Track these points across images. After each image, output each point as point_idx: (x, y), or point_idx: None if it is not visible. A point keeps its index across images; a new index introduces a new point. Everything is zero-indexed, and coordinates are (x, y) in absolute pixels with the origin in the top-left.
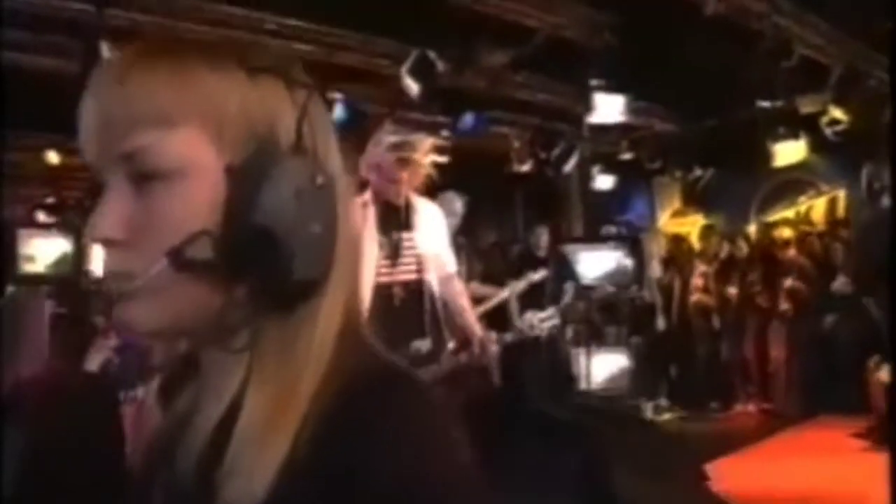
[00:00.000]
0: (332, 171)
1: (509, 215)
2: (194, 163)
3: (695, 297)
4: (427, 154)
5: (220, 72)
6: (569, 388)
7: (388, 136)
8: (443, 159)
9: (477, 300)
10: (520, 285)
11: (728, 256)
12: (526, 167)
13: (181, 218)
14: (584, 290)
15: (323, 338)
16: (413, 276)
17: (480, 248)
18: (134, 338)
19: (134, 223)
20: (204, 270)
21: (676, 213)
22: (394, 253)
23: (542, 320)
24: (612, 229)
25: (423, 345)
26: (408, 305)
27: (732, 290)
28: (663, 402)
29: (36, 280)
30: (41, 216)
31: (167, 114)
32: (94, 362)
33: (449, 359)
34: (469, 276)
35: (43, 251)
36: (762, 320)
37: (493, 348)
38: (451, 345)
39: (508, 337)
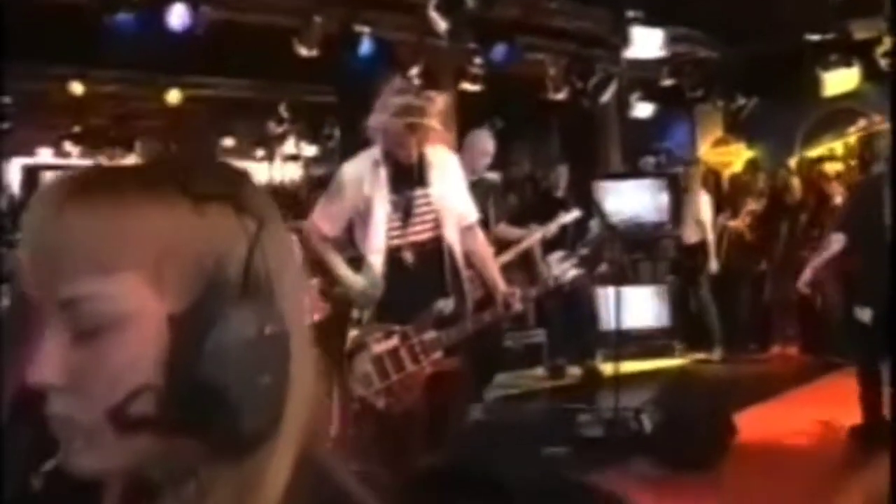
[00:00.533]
0: (286, 314)
1: (544, 144)
2: (134, 312)
3: (741, 235)
4: (438, 116)
5: (163, 203)
6: (592, 330)
7: (395, 98)
8: (475, 87)
9: (505, 245)
10: (551, 228)
11: (777, 194)
12: (561, 95)
13: (122, 370)
14: (611, 229)
15: (272, 490)
16: (430, 235)
17: (513, 179)
18: None
19: (74, 370)
20: (147, 426)
21: (718, 143)
22: (407, 213)
23: (564, 270)
24: (651, 159)
25: (447, 305)
26: (426, 265)
27: (782, 230)
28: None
29: None
30: (67, 146)
31: (105, 257)
32: None
33: (473, 318)
34: (501, 215)
35: None
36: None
37: (518, 305)
38: (471, 303)
39: (533, 292)
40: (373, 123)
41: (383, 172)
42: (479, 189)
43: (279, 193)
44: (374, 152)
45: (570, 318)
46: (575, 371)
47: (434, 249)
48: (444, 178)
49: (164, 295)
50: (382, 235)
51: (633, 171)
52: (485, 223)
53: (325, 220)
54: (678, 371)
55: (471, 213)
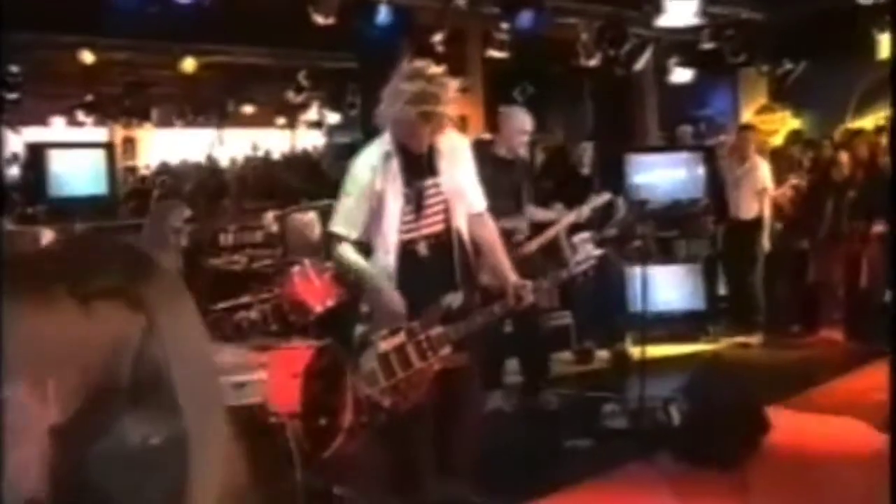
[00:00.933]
0: (187, 411)
1: (577, 112)
2: (17, 424)
3: (781, 209)
4: (452, 102)
5: (46, 304)
6: (622, 312)
7: (406, 85)
8: (502, 55)
9: (537, 228)
10: (584, 211)
11: (823, 168)
12: (594, 62)
13: (8, 485)
14: (640, 206)
15: None
16: (440, 227)
17: (546, 148)
18: None
19: None
20: None
21: (762, 110)
22: (419, 205)
23: (586, 255)
24: (688, 128)
25: (455, 299)
26: (437, 258)
27: (827, 207)
28: (731, 326)
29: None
30: (80, 115)
31: None
32: None
33: (482, 312)
34: (533, 197)
35: (73, 170)
36: (858, 242)
37: (530, 298)
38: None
39: (546, 284)
40: (384, 113)
41: (395, 164)
42: (515, 169)
43: (300, 164)
44: (385, 142)
45: (599, 299)
46: (604, 355)
47: (445, 241)
48: (452, 166)
49: (46, 407)
50: (396, 230)
51: (666, 145)
52: (518, 205)
53: (346, 225)
54: (712, 357)
55: (479, 201)
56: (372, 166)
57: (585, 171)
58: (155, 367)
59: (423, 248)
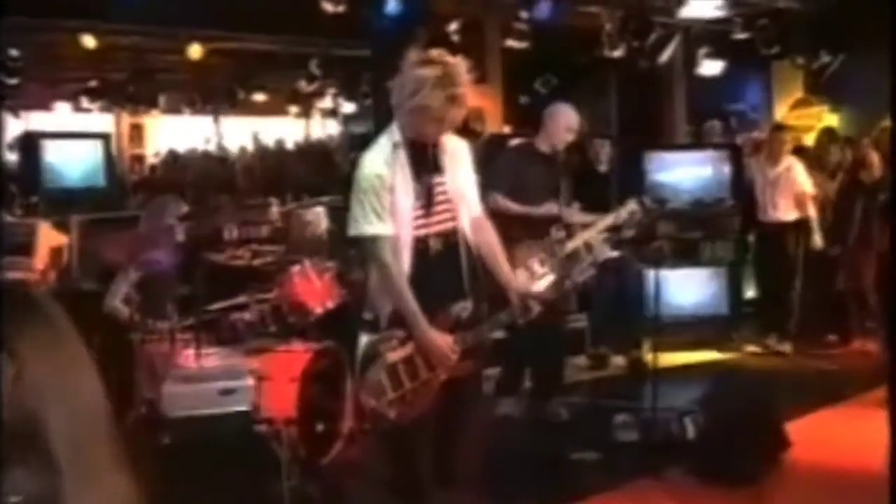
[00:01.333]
0: (59, 454)
1: (603, 105)
2: None
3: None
4: (469, 84)
5: None
6: (640, 316)
7: (424, 70)
8: (521, 45)
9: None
10: (622, 214)
11: (854, 169)
12: (618, 52)
13: None
14: (659, 205)
15: None
16: (449, 226)
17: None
18: (156, 273)
19: None
20: None
21: (797, 104)
22: (428, 201)
23: (583, 269)
24: (716, 123)
25: (465, 308)
26: (445, 260)
27: (856, 211)
28: (756, 333)
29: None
30: (85, 101)
31: None
32: (115, 297)
33: (490, 321)
34: (571, 197)
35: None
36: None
37: (536, 307)
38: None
39: (549, 292)
40: (406, 103)
41: (403, 157)
42: (555, 166)
43: (313, 154)
44: (394, 135)
45: (616, 302)
46: (619, 361)
47: (454, 242)
48: (455, 166)
49: None
50: (409, 226)
51: (689, 142)
52: (556, 202)
53: (382, 223)
54: (733, 366)
55: (477, 205)
56: (385, 159)
57: (602, 168)
58: (28, 418)
59: (433, 248)
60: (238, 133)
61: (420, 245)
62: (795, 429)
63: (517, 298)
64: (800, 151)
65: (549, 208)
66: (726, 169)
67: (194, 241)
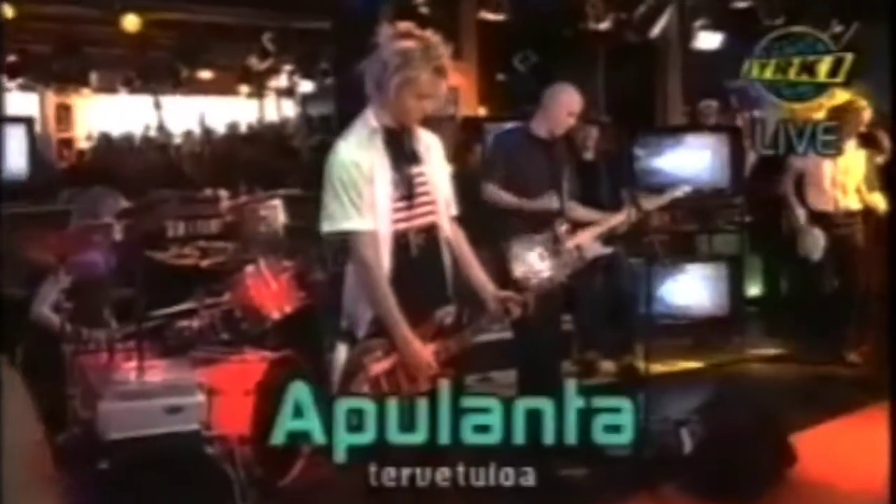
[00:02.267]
0: None
1: (590, 84)
2: None
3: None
4: (448, 57)
5: None
6: (632, 318)
7: (406, 43)
8: (498, 17)
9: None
10: (645, 205)
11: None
12: (605, 25)
13: None
14: (649, 197)
15: None
16: (430, 219)
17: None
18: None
19: None
20: None
21: None
22: (409, 192)
23: (566, 264)
24: (712, 104)
25: (448, 313)
26: (427, 258)
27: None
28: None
29: None
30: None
31: None
32: (43, 304)
33: (472, 328)
34: (574, 191)
35: None
36: None
37: (517, 311)
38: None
39: (530, 295)
40: (397, 80)
41: (380, 144)
42: (554, 153)
43: (269, 139)
44: (370, 121)
45: (606, 302)
46: (609, 367)
47: (435, 238)
48: (430, 158)
49: None
50: (388, 220)
51: (684, 125)
52: (556, 196)
53: (362, 217)
54: (735, 372)
55: (453, 204)
56: (362, 147)
57: (589, 156)
58: None
59: (414, 244)
60: (182, 116)
61: (400, 241)
62: (803, 441)
63: (494, 302)
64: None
65: (549, 201)
66: (725, 153)
67: (134, 240)
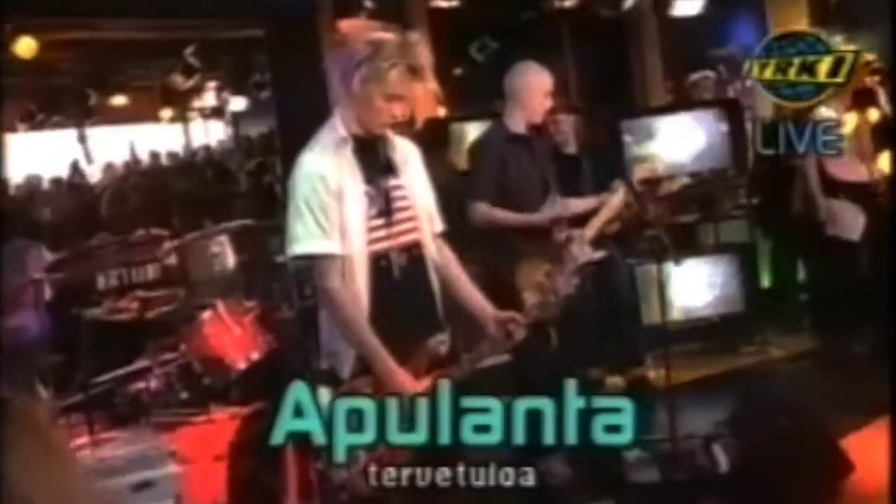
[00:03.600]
0: None
1: (558, 70)
2: None
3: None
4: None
5: None
6: (636, 324)
7: (378, 35)
8: (451, 3)
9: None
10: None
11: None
12: (570, 1)
13: None
14: (646, 186)
15: None
16: (412, 237)
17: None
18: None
19: None
20: None
21: None
22: (386, 207)
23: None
24: (708, 74)
25: (442, 342)
26: (413, 281)
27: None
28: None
29: None
30: None
31: None
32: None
33: (469, 357)
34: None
35: None
36: None
37: (520, 333)
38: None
39: (535, 311)
40: (363, 75)
41: (350, 155)
42: (536, 149)
43: (200, 167)
44: (337, 129)
45: (606, 311)
46: (618, 383)
47: (419, 258)
48: (409, 169)
49: None
50: (363, 239)
51: (675, 103)
52: (545, 197)
53: (324, 239)
54: (762, 374)
55: (438, 219)
56: (328, 159)
57: (571, 149)
58: None
59: (396, 265)
60: (99, 149)
61: (380, 263)
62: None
63: (495, 326)
64: None
65: (552, 211)
66: (723, 130)
67: (66, 296)
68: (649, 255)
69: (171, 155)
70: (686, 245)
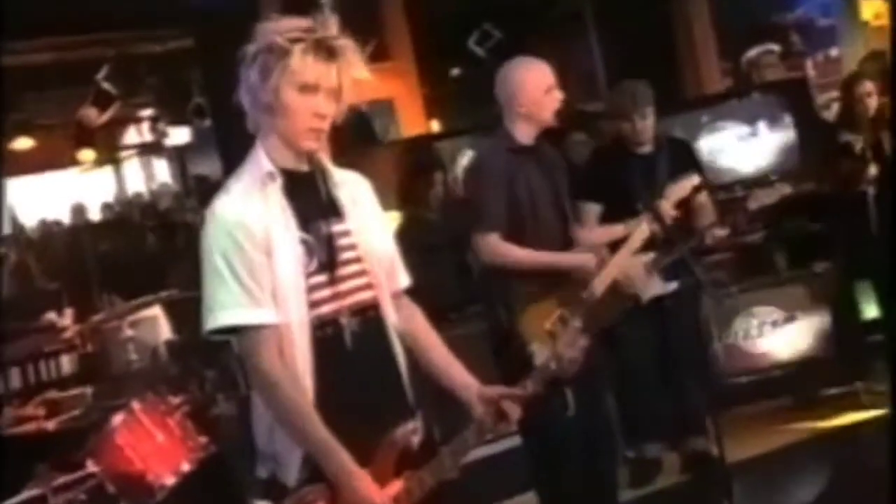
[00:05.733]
0: None
1: (579, 59)
2: None
3: None
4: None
5: None
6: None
7: (289, 23)
8: None
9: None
10: (665, 208)
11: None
12: None
13: None
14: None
15: None
16: (367, 296)
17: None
18: None
19: None
20: None
21: None
22: (329, 258)
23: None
24: (772, 48)
25: (413, 431)
26: (370, 352)
27: None
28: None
29: None
30: None
31: None
32: None
33: (451, 449)
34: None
35: None
36: None
37: (516, 413)
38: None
39: (530, 385)
40: (262, 62)
41: (279, 195)
42: (544, 162)
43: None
44: (260, 164)
45: (647, 361)
46: (674, 462)
47: (376, 322)
48: (360, 210)
49: None
50: (302, 300)
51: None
52: (562, 222)
53: (251, 307)
54: (864, 437)
55: (401, 272)
56: (250, 200)
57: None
58: None
59: (348, 333)
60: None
61: (327, 331)
62: None
63: (479, 403)
64: None
65: (582, 257)
66: (788, 121)
67: None
68: (700, 290)
69: (92, 209)
70: (748, 274)
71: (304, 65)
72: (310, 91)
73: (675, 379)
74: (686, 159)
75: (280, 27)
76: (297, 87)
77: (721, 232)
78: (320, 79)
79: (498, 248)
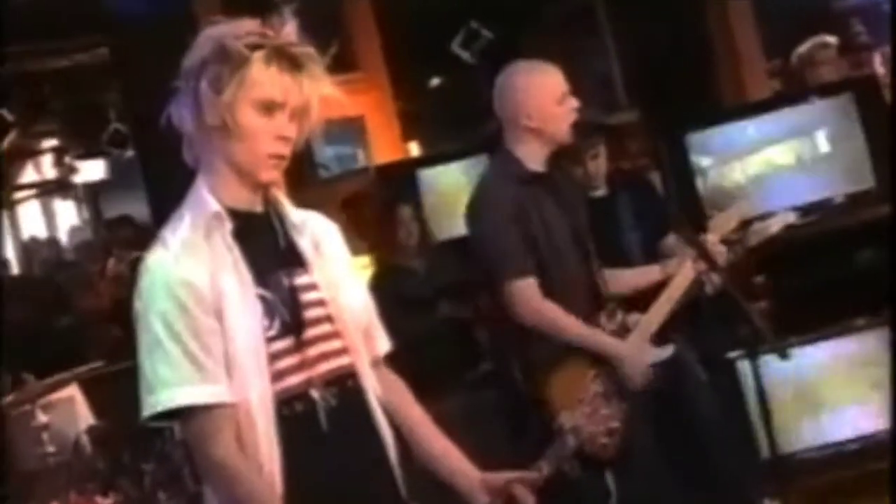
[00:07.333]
0: None
1: (590, 62)
2: None
3: None
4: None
5: None
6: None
7: (242, 27)
8: None
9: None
10: (715, 245)
11: None
12: None
13: None
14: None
15: None
16: (342, 363)
17: None
18: None
19: None
20: None
21: None
22: (294, 318)
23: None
24: (828, 41)
25: None
26: (350, 428)
27: None
28: None
29: None
30: None
31: None
32: None
33: None
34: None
35: None
36: None
37: (529, 501)
38: None
39: (545, 467)
40: (209, 93)
41: (229, 242)
42: (561, 191)
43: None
44: (205, 204)
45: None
46: None
47: (356, 394)
48: (324, 256)
49: None
50: (264, 376)
51: (778, 95)
52: (586, 264)
53: (197, 385)
54: None
55: (380, 333)
56: (194, 251)
57: (601, 192)
58: None
59: (322, 408)
60: None
61: (296, 407)
62: None
63: (480, 492)
64: None
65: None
66: (857, 131)
67: None
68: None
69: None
70: (802, 325)
71: (266, 76)
72: (272, 109)
73: (714, 454)
74: (650, 197)
75: (234, 30)
76: (258, 104)
77: (716, 278)
78: (286, 94)
79: (540, 303)
